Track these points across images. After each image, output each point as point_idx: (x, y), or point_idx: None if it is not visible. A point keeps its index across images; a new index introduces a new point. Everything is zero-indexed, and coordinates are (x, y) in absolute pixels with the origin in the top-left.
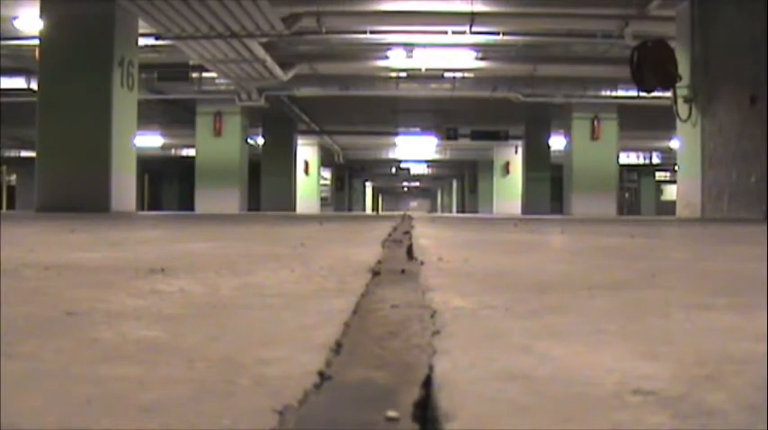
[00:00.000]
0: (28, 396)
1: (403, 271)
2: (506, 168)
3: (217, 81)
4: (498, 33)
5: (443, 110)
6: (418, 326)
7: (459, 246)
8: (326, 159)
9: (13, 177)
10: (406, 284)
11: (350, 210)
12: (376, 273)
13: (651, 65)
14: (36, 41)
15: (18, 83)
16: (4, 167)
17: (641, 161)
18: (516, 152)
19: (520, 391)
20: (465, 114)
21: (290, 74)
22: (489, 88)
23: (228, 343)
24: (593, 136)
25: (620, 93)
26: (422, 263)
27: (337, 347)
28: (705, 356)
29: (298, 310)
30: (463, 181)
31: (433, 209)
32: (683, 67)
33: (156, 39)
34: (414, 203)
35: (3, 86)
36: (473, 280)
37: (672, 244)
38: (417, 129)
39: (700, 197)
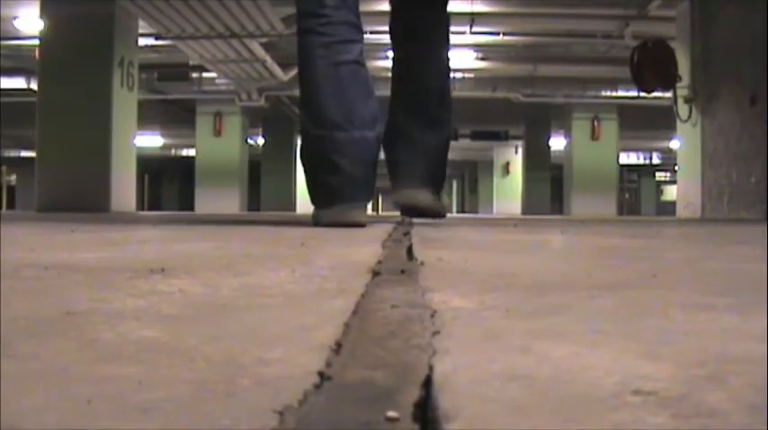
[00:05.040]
0: (28, 396)
1: (403, 271)
2: (506, 168)
3: (217, 81)
4: (498, 33)
5: None
6: (418, 327)
7: (459, 246)
8: None
9: (13, 177)
10: (406, 284)
11: None
12: (376, 274)
13: (651, 65)
14: (36, 41)
15: (18, 83)
16: (4, 167)
17: (641, 161)
18: (516, 152)
19: (520, 392)
20: (465, 114)
21: (290, 74)
22: (489, 88)
23: (228, 343)
24: (594, 136)
25: (620, 93)
26: (422, 263)
27: (337, 347)
28: (705, 356)
29: (298, 310)
30: (463, 181)
31: None
32: (683, 67)
33: (156, 39)
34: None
35: (3, 86)
36: (473, 280)
37: (672, 244)
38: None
39: (700, 197)
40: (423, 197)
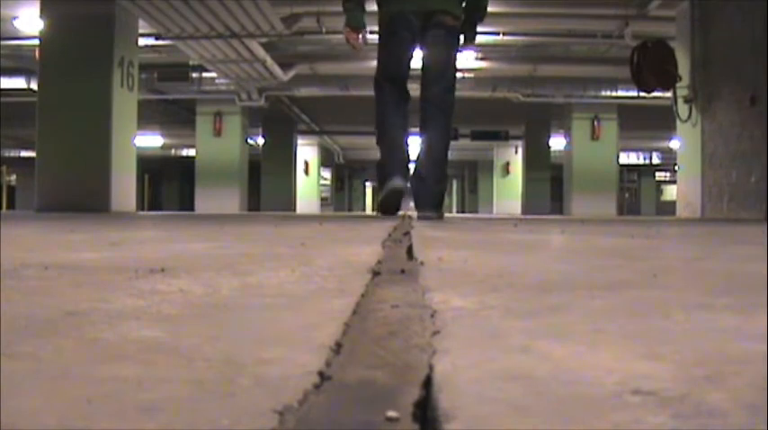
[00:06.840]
0: (28, 396)
1: (403, 271)
2: (506, 168)
3: (217, 81)
4: (498, 33)
5: None
6: (418, 326)
7: (459, 246)
8: (326, 159)
9: (13, 177)
10: (406, 284)
11: (350, 210)
12: (376, 273)
13: (651, 65)
14: (36, 41)
15: (18, 83)
16: (4, 167)
17: (641, 161)
18: (516, 152)
19: (520, 391)
20: (465, 114)
21: (290, 74)
22: (489, 88)
23: (228, 343)
24: (594, 136)
25: (620, 93)
26: (422, 263)
27: (337, 347)
28: (705, 356)
29: (298, 310)
30: (463, 181)
31: None
32: (683, 67)
33: (156, 39)
34: (414, 203)
35: (3, 86)
36: (473, 280)
37: (672, 244)
38: (417, 130)
39: (700, 197)
40: (432, 215)
